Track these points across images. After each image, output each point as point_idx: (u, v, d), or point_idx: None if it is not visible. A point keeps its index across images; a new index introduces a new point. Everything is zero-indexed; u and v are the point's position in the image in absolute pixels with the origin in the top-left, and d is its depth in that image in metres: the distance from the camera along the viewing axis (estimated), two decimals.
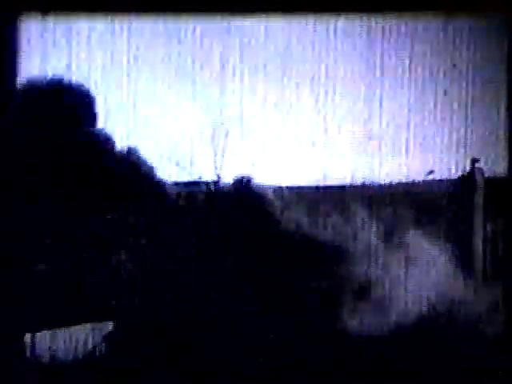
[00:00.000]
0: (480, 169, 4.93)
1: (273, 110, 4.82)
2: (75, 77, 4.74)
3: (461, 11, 4.48)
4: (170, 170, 4.92)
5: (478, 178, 4.98)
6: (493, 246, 4.95)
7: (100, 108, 4.80)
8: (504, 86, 4.50)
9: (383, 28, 4.61)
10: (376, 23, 4.59)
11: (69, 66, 4.70)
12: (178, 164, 4.87)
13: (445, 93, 4.67)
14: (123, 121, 4.82)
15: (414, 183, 4.93)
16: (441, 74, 4.67)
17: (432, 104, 4.70)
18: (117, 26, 4.60)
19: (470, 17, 4.55)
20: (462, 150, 4.73)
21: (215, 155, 4.88)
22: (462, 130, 4.72)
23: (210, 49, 4.71)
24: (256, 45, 4.72)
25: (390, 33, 4.62)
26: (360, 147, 4.75)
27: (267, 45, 4.72)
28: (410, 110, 4.72)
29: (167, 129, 4.81)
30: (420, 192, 4.99)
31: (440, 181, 4.96)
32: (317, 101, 4.72)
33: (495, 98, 4.59)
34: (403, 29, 4.61)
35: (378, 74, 4.69)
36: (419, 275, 4.93)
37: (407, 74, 4.69)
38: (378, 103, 4.71)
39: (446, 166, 4.82)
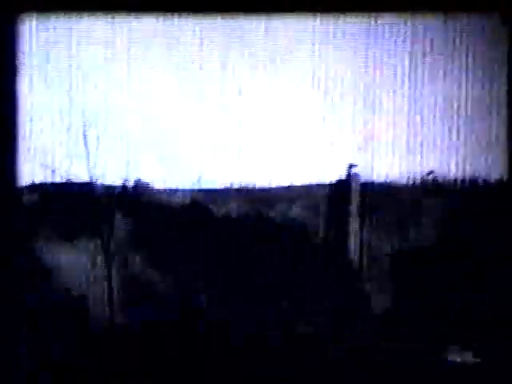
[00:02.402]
0: (356, 174, 4.85)
1: (274, 109, 4.84)
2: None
3: (461, 11, 4.48)
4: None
5: (354, 184, 4.89)
6: (369, 251, 4.91)
7: (101, 106, 4.83)
8: (504, 87, 4.51)
9: (383, 28, 4.61)
10: (376, 23, 4.59)
11: (69, 66, 4.73)
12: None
13: (444, 93, 4.68)
14: (121, 119, 4.84)
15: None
16: (441, 74, 4.68)
17: (432, 104, 4.71)
18: (117, 26, 4.61)
19: (470, 17, 4.55)
20: (461, 151, 4.74)
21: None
22: (462, 130, 4.73)
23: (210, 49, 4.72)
24: (256, 44, 4.73)
25: (390, 33, 4.63)
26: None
27: (267, 44, 4.73)
28: (409, 111, 4.73)
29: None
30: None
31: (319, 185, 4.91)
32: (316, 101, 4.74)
33: (495, 99, 4.59)
34: (403, 29, 4.61)
35: (377, 73, 4.70)
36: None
37: (407, 74, 4.70)
38: (378, 103, 4.73)
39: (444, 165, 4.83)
